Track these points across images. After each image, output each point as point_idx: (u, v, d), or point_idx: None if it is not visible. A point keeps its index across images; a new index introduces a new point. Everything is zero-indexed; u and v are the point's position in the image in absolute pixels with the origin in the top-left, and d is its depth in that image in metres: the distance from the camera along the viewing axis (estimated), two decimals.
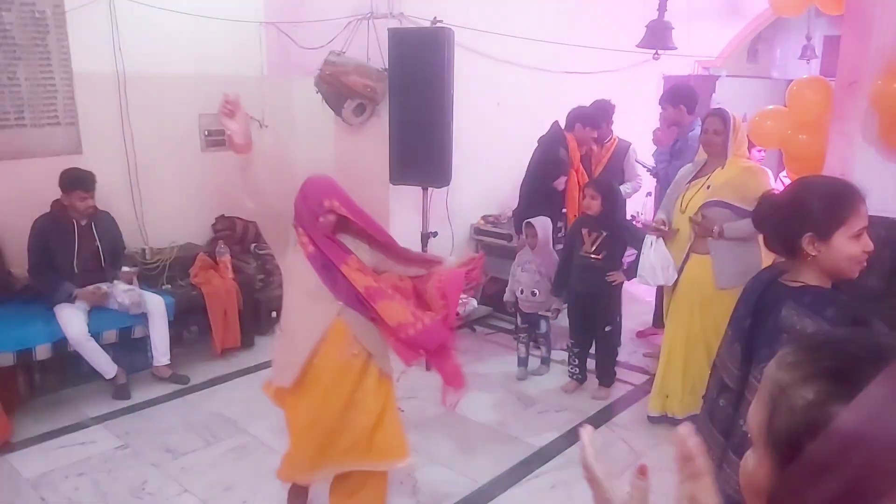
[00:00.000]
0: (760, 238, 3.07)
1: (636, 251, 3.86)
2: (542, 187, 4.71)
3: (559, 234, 4.66)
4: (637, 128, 6.97)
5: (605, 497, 1.03)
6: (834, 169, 3.12)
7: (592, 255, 3.84)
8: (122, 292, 3.98)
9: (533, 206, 4.66)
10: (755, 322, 1.78)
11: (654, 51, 5.34)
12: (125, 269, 4.15)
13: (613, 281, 3.84)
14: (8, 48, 4.10)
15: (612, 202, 3.86)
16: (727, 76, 7.34)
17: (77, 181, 3.94)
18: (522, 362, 4.39)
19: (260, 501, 3.05)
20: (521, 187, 4.92)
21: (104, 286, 3.99)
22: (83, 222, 4.00)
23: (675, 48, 5.34)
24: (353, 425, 2.58)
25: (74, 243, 3.97)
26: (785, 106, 4.09)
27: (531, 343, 4.40)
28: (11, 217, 4.13)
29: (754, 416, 0.76)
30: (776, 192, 2.25)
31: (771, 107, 4.29)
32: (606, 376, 4.09)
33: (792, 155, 4.04)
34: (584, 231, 3.88)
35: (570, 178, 4.74)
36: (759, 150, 5.53)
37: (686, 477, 0.93)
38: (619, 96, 6.59)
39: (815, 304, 1.62)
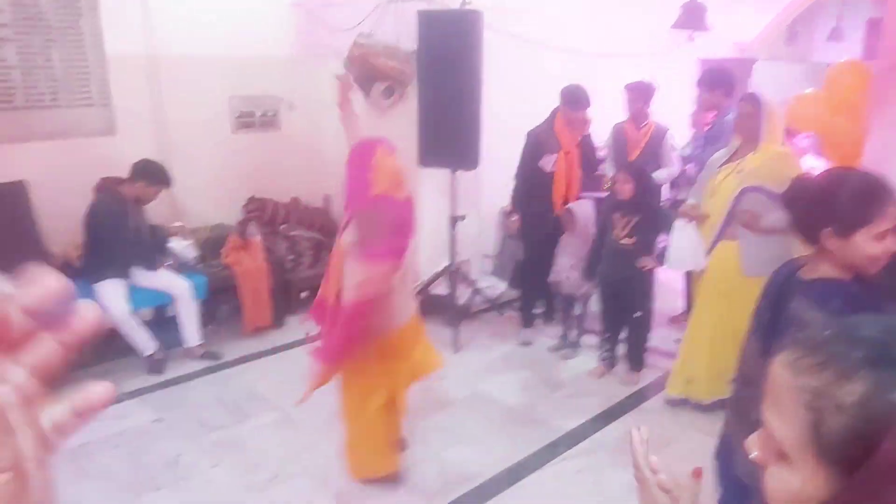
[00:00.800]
0: None
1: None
2: (527, 169, 4.59)
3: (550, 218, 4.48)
4: (672, 112, 6.88)
5: (653, 497, 1.02)
6: (874, 154, 3.04)
7: (624, 240, 3.80)
8: (184, 248, 4.27)
9: (524, 187, 4.57)
10: (773, 315, 1.75)
11: (688, 32, 5.24)
12: (177, 223, 4.35)
13: (644, 266, 3.80)
14: (42, 30, 4.17)
15: (645, 186, 3.82)
16: (765, 59, 7.19)
17: (162, 177, 4.11)
18: (562, 338, 4.44)
19: (289, 476, 3.11)
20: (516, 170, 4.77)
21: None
22: (132, 205, 4.10)
23: (710, 29, 5.23)
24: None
25: (132, 223, 4.08)
26: (822, 90, 4.00)
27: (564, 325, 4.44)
28: (48, 196, 4.22)
29: (784, 431, 0.71)
30: (810, 175, 2.21)
31: (808, 90, 4.20)
32: (636, 361, 4.07)
33: (829, 140, 3.96)
34: (617, 215, 3.84)
35: (559, 160, 4.51)
36: (807, 136, 5.33)
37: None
38: (654, 80, 6.51)
39: (821, 297, 1.60)
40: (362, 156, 2.65)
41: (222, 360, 4.23)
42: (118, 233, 3.98)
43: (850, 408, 0.65)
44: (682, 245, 3.40)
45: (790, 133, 4.77)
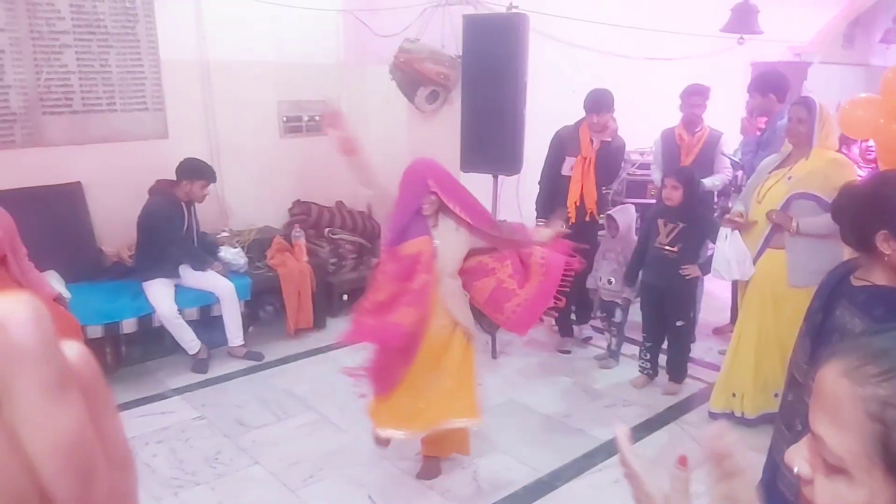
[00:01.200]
0: None
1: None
2: (550, 171, 4.52)
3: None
4: (723, 117, 6.73)
5: (645, 491, 1.01)
6: None
7: (667, 248, 3.73)
8: (234, 255, 4.40)
9: (545, 191, 4.53)
10: (824, 319, 1.71)
11: (738, 35, 5.11)
12: (224, 233, 4.49)
13: (688, 275, 3.72)
14: (101, 36, 4.33)
15: (694, 193, 3.75)
16: (820, 63, 6.97)
17: (202, 171, 4.20)
18: (608, 347, 4.38)
19: (325, 476, 3.14)
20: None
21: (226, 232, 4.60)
22: (186, 207, 4.22)
23: (762, 32, 5.10)
24: (434, 388, 2.86)
25: (184, 224, 4.21)
26: (878, 94, 3.85)
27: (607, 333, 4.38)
28: (102, 197, 4.38)
29: (844, 444, 0.68)
30: (859, 182, 2.14)
31: (863, 95, 4.04)
32: (677, 372, 3.98)
33: (885, 146, 3.80)
34: (661, 222, 3.77)
35: (576, 164, 4.42)
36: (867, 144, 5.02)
37: (721, 476, 0.89)
38: (705, 84, 6.38)
39: (866, 304, 1.55)
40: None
41: (264, 360, 4.30)
42: (170, 233, 4.10)
43: None
44: (728, 254, 3.31)
45: (846, 141, 4.59)
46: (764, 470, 2.15)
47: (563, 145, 4.44)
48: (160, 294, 4.04)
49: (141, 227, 4.12)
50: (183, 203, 4.18)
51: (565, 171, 4.39)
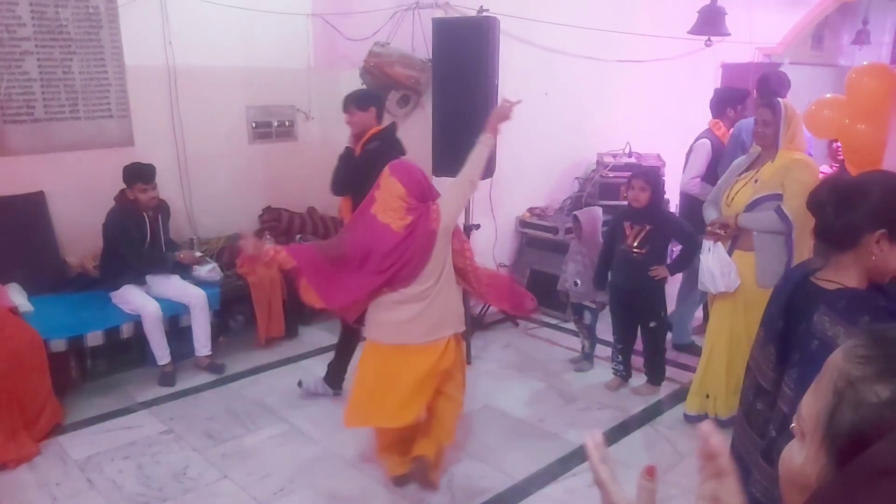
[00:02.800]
0: (808, 238, 2.94)
1: (683, 245, 3.74)
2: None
3: None
4: (695, 118, 6.77)
5: (612, 500, 1.00)
6: (894, 159, 2.93)
7: (635, 250, 3.72)
8: (207, 272, 4.32)
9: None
10: (787, 323, 1.68)
11: (706, 37, 5.15)
12: (198, 253, 4.42)
13: (656, 276, 3.71)
14: (63, 43, 4.23)
15: (660, 195, 3.75)
16: (790, 64, 7.05)
17: (137, 174, 4.04)
18: (583, 349, 4.37)
19: (297, 489, 3.08)
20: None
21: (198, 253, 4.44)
22: (150, 213, 4.11)
23: (729, 34, 5.13)
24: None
25: (147, 234, 4.09)
26: (844, 94, 3.89)
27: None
28: (66, 207, 4.29)
29: (809, 406, 0.72)
30: (846, 177, 2.08)
31: (829, 95, 4.08)
32: (655, 374, 3.98)
33: (850, 146, 3.84)
34: (627, 224, 3.77)
35: None
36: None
37: (708, 476, 0.89)
38: (676, 85, 6.42)
39: (849, 311, 1.52)
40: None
41: (225, 373, 4.18)
42: (127, 243, 4.00)
43: (867, 406, 0.65)
44: (711, 267, 3.29)
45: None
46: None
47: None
48: (143, 299, 3.97)
49: (104, 235, 4.03)
50: (145, 212, 4.09)
51: None
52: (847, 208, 1.61)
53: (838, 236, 1.64)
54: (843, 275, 1.61)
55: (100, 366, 4.08)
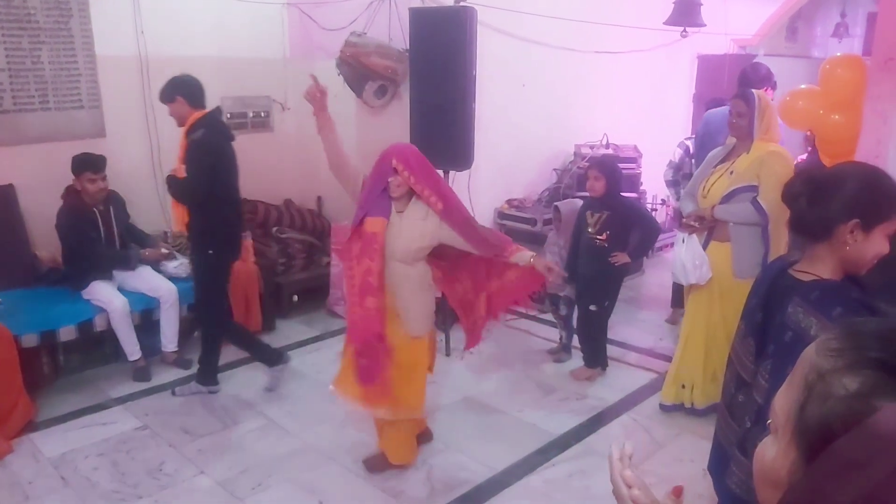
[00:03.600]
0: (784, 230, 2.97)
1: (642, 231, 3.79)
2: None
3: None
4: (670, 108, 6.82)
5: None
6: (868, 150, 2.97)
7: (597, 237, 3.76)
8: (174, 268, 4.25)
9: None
10: (766, 316, 1.69)
11: (682, 28, 5.17)
12: (164, 250, 4.32)
13: (617, 261, 3.75)
14: (32, 32, 4.14)
15: (616, 182, 3.79)
16: (765, 55, 7.11)
17: (86, 163, 3.92)
18: (561, 340, 4.39)
19: (275, 483, 3.06)
20: None
21: (165, 249, 4.33)
22: (101, 207, 4.01)
23: (704, 25, 5.16)
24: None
25: (101, 230, 4.00)
26: (817, 85, 3.92)
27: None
28: (37, 200, 4.19)
29: (782, 401, 0.72)
30: (819, 169, 2.07)
31: (803, 86, 4.11)
32: (589, 358, 4.05)
33: (824, 136, 3.88)
34: (588, 213, 3.82)
35: None
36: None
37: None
38: (653, 77, 6.45)
39: (821, 303, 1.53)
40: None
41: (192, 369, 4.07)
42: (80, 242, 3.91)
43: (835, 399, 0.64)
44: (684, 259, 3.32)
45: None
46: (711, 455, 2.17)
47: None
48: (110, 294, 3.89)
49: (59, 237, 3.95)
50: (95, 207, 3.97)
51: None
52: (820, 199, 1.62)
53: (812, 227, 1.64)
54: (818, 266, 1.62)
55: (73, 361, 4.02)
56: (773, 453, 0.71)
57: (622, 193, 3.94)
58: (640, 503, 0.98)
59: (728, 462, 1.98)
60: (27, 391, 3.50)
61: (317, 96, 2.88)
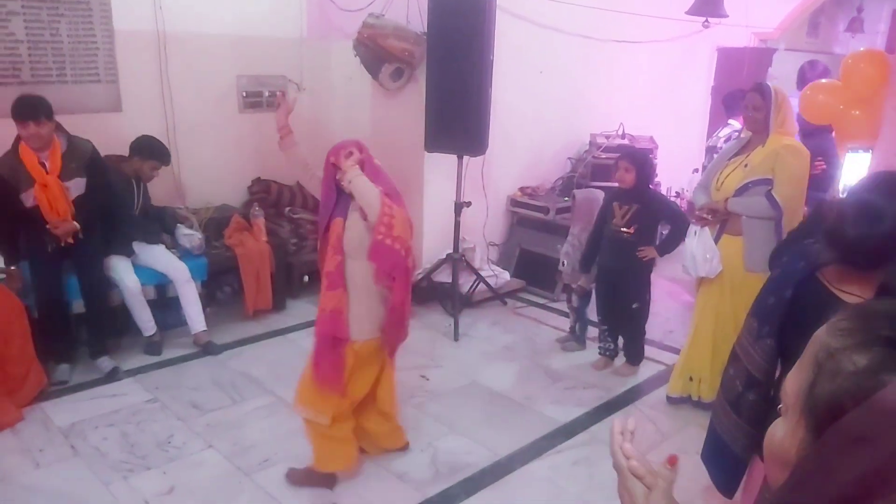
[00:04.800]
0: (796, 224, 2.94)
1: (671, 226, 3.74)
2: None
3: None
4: (688, 100, 6.76)
5: (627, 486, 1.00)
6: (887, 146, 2.94)
7: (623, 230, 3.72)
8: (185, 236, 4.25)
9: None
10: (792, 318, 1.66)
11: (703, 19, 5.12)
12: (185, 212, 4.41)
13: (644, 256, 3.72)
14: (51, 4, 4.14)
15: (646, 175, 3.74)
16: (785, 49, 7.04)
17: (157, 153, 4.07)
18: (571, 330, 4.36)
19: (281, 460, 3.07)
20: None
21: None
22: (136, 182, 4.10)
23: (727, 16, 5.11)
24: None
25: (134, 200, 4.06)
26: (839, 81, 3.88)
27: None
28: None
29: (792, 382, 0.72)
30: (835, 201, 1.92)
31: (824, 80, 4.07)
32: (633, 354, 4.00)
33: (844, 131, 3.84)
34: (616, 204, 3.77)
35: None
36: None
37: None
38: (671, 68, 6.40)
39: None
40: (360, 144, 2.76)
41: (222, 355, 4.10)
42: (119, 210, 3.96)
43: (845, 376, 0.65)
44: (695, 251, 3.30)
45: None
46: (705, 446, 2.18)
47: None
48: (123, 269, 3.92)
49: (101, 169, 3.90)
50: (132, 179, 4.05)
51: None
52: (868, 230, 1.56)
53: (865, 258, 1.59)
54: (866, 289, 1.58)
55: (85, 333, 4.05)
56: (782, 433, 0.72)
57: (651, 187, 3.86)
58: (638, 473, 1.00)
59: (733, 458, 1.97)
60: (39, 361, 3.53)
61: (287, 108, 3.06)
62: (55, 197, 3.55)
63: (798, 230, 2.48)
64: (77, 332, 3.99)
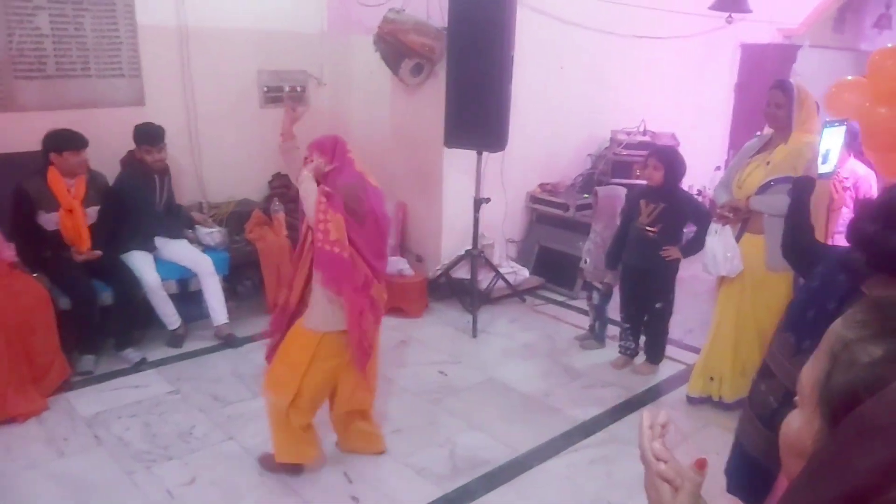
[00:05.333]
0: (820, 223, 2.91)
1: (697, 227, 3.70)
2: None
3: None
4: (711, 97, 6.70)
5: (655, 484, 0.98)
6: None
7: (648, 228, 3.69)
8: (206, 235, 4.31)
9: None
10: (823, 321, 1.62)
11: (727, 14, 5.06)
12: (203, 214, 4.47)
13: (668, 256, 3.69)
14: None
15: (675, 174, 3.70)
16: (810, 46, 6.93)
17: (144, 135, 4.06)
18: (590, 328, 4.34)
19: None
20: None
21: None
22: (157, 176, 4.16)
23: (751, 11, 5.05)
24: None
25: (156, 195, 4.14)
26: (865, 77, 3.82)
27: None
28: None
29: (808, 373, 0.73)
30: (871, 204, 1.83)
31: (849, 77, 4.01)
32: (654, 354, 3.98)
33: (870, 130, 3.78)
34: (643, 202, 3.74)
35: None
36: None
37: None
38: (694, 64, 6.33)
39: None
40: (337, 142, 2.79)
41: (241, 347, 4.15)
42: (143, 205, 4.02)
43: (860, 367, 0.66)
44: (715, 249, 3.27)
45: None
46: (730, 459, 2.14)
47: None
48: (142, 264, 3.96)
49: (109, 200, 4.00)
50: (155, 174, 4.09)
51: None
52: (886, 226, 1.51)
53: (888, 259, 1.53)
54: None
55: (110, 325, 4.09)
56: (798, 424, 0.73)
57: (677, 186, 3.80)
58: (667, 477, 0.98)
59: (754, 469, 1.92)
60: (63, 352, 3.58)
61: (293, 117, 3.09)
62: (78, 222, 3.75)
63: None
64: (104, 323, 4.04)
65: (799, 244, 2.31)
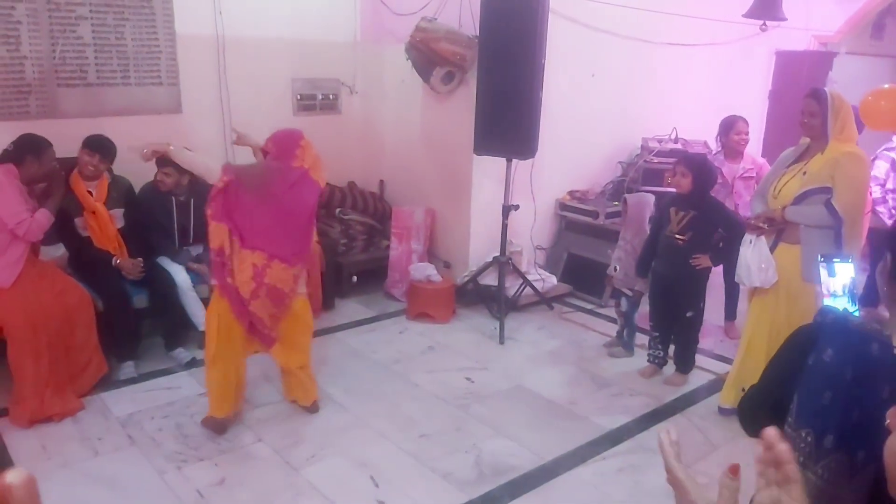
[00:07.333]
0: (857, 233, 2.85)
1: (729, 236, 3.66)
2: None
3: None
4: (744, 105, 6.61)
5: (690, 500, 0.98)
6: None
7: (677, 236, 3.66)
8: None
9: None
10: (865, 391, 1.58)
11: (761, 22, 5.00)
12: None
13: (698, 265, 3.65)
14: (117, 9, 4.30)
15: (705, 181, 3.67)
16: (847, 53, 6.82)
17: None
18: (618, 335, 4.33)
19: (329, 455, 3.14)
20: None
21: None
22: (181, 196, 4.19)
23: (786, 19, 4.98)
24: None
25: (168, 215, 4.17)
26: None
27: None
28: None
29: None
30: None
31: (886, 85, 3.93)
32: (684, 363, 3.93)
33: None
34: (673, 210, 3.71)
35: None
36: None
37: (771, 482, 0.89)
38: (727, 72, 6.26)
39: None
40: (288, 138, 3.29)
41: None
42: (153, 224, 4.11)
43: None
44: (749, 260, 3.24)
45: None
46: None
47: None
48: (173, 265, 4.06)
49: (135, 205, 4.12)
50: (173, 195, 4.12)
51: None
52: None
53: None
54: None
55: (144, 327, 4.18)
56: None
57: (710, 194, 3.78)
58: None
59: None
60: (101, 351, 3.67)
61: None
62: (104, 223, 3.87)
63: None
64: (140, 327, 4.13)
65: None
